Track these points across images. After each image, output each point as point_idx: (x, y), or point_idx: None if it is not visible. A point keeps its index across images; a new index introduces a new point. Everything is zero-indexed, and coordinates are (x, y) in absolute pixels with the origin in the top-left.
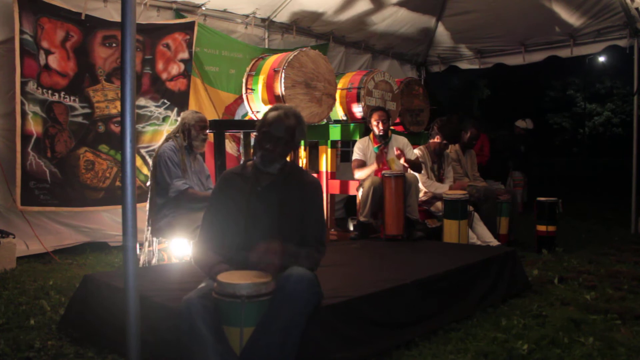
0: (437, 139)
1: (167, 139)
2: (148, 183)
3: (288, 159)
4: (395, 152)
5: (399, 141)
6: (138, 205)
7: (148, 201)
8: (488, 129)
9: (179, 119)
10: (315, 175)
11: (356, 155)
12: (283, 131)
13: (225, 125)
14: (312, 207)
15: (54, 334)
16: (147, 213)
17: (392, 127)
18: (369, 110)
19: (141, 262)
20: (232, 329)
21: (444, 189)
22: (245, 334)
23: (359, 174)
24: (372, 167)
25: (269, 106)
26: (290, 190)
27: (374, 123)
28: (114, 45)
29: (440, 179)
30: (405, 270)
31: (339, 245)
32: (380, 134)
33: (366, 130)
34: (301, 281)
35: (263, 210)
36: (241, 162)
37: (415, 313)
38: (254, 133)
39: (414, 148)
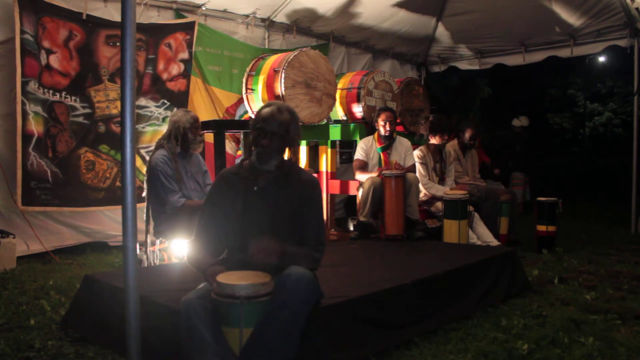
0: (432, 140)
1: (157, 147)
2: (144, 194)
3: (287, 156)
4: (395, 167)
5: (403, 143)
6: (138, 205)
7: (145, 209)
8: (484, 131)
9: (169, 121)
10: (315, 175)
11: (358, 155)
12: (277, 126)
13: (225, 125)
14: (310, 205)
15: (54, 334)
16: (145, 218)
17: None
18: (377, 110)
19: (145, 263)
20: (231, 330)
21: (444, 190)
22: (244, 334)
23: (360, 177)
24: (373, 174)
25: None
26: (287, 188)
27: (381, 123)
28: (118, 44)
29: (442, 178)
30: (405, 270)
31: (339, 245)
32: (386, 134)
33: (371, 130)
34: (300, 281)
35: (260, 209)
36: (237, 161)
37: (415, 313)
38: (250, 131)
39: (414, 149)
